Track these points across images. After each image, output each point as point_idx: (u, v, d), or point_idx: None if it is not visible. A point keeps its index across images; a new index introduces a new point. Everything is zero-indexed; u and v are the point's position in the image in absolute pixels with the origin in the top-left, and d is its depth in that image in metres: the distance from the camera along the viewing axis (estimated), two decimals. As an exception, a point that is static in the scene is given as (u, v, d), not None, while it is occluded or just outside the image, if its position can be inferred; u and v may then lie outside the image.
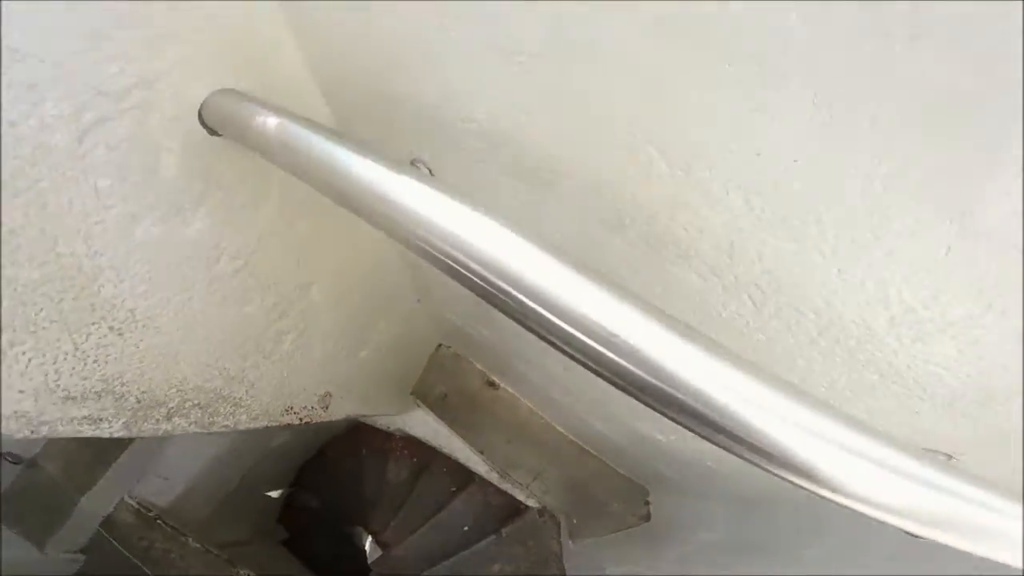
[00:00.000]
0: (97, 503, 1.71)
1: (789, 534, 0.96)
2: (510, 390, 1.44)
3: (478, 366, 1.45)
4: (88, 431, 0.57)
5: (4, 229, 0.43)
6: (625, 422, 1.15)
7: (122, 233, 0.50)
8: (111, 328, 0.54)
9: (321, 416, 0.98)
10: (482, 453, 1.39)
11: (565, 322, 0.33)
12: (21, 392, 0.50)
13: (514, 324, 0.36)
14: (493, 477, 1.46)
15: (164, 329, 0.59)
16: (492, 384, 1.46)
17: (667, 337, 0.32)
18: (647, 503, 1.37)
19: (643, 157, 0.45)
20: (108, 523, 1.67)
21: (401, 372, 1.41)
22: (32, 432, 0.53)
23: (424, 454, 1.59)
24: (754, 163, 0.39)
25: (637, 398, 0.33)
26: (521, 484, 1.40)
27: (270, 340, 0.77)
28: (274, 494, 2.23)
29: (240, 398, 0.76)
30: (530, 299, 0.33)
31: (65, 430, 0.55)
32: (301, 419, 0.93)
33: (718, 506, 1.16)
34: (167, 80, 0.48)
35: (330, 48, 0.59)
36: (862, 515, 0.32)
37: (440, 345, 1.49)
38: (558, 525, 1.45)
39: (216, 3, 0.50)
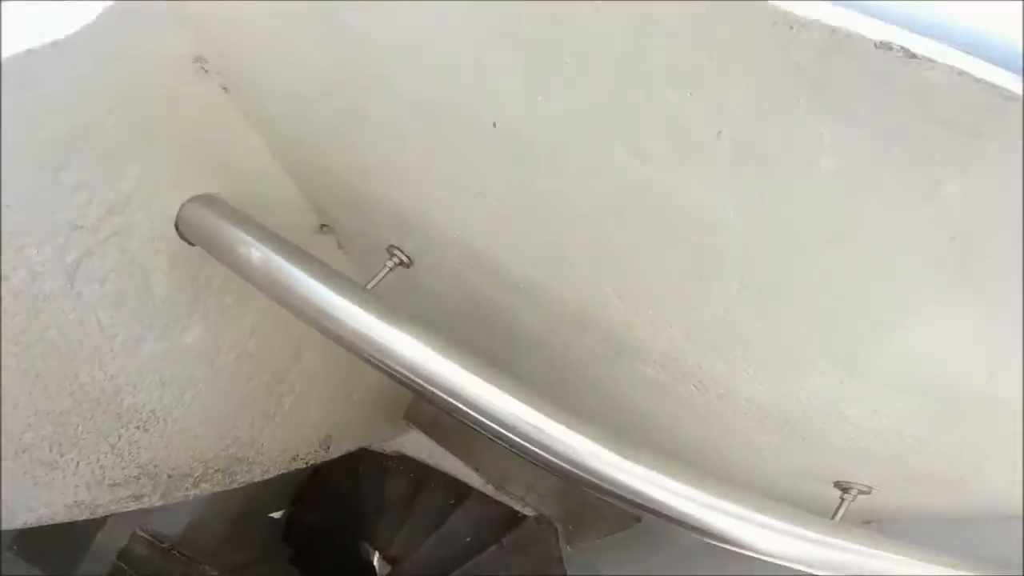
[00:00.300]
0: (111, 537, 1.89)
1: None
2: (501, 409, 1.60)
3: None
4: (133, 506, 0.72)
5: (32, 374, 0.55)
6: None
7: (130, 354, 0.63)
8: (137, 427, 0.68)
9: (324, 456, 1.14)
10: (477, 469, 1.56)
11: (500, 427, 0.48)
12: (76, 487, 0.65)
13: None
14: (489, 490, 1.65)
15: (181, 418, 0.73)
16: (483, 404, 1.61)
17: (601, 450, 0.47)
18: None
19: (601, 292, 0.57)
20: (126, 556, 1.85)
21: (393, 401, 1.56)
22: (91, 514, 0.68)
23: (420, 470, 1.77)
24: (690, 313, 0.52)
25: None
26: (516, 496, 1.58)
27: (272, 405, 0.91)
28: (276, 514, 2.42)
29: (253, 457, 0.91)
30: (498, 426, 0.47)
31: (115, 508, 0.70)
32: (307, 463, 1.09)
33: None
34: (137, 199, 0.56)
35: (297, 146, 0.69)
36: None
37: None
38: (556, 531, 1.65)
39: (164, 112, 0.56)
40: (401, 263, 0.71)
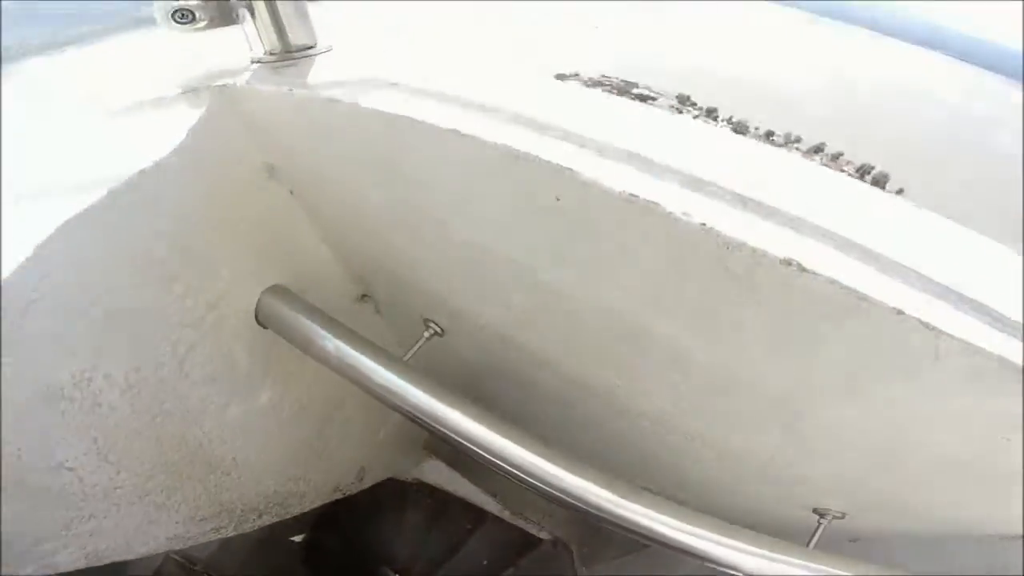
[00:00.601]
0: (145, 559, 2.10)
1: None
2: (516, 437, 1.79)
3: (485, 417, 1.80)
4: (214, 537, 0.92)
5: (154, 438, 0.75)
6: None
7: (220, 416, 0.83)
8: (223, 473, 0.88)
9: (359, 487, 1.34)
10: (494, 496, 1.74)
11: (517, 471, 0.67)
12: (176, 523, 0.85)
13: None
14: (506, 515, 1.82)
15: (254, 463, 0.93)
16: (499, 433, 1.81)
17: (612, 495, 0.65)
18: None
19: (605, 375, 0.75)
20: (160, 579, 2.06)
21: (414, 435, 1.75)
22: (183, 544, 0.87)
23: (439, 496, 1.95)
24: (673, 393, 0.70)
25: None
26: (532, 521, 1.76)
27: (320, 446, 1.10)
28: (297, 538, 2.62)
29: (304, 492, 1.11)
30: (494, 457, 0.66)
31: (201, 539, 0.90)
32: (344, 493, 1.28)
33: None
34: (227, 296, 0.75)
35: (346, 238, 0.89)
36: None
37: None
38: (571, 553, 1.82)
39: (242, 215, 0.74)
40: (435, 333, 0.90)
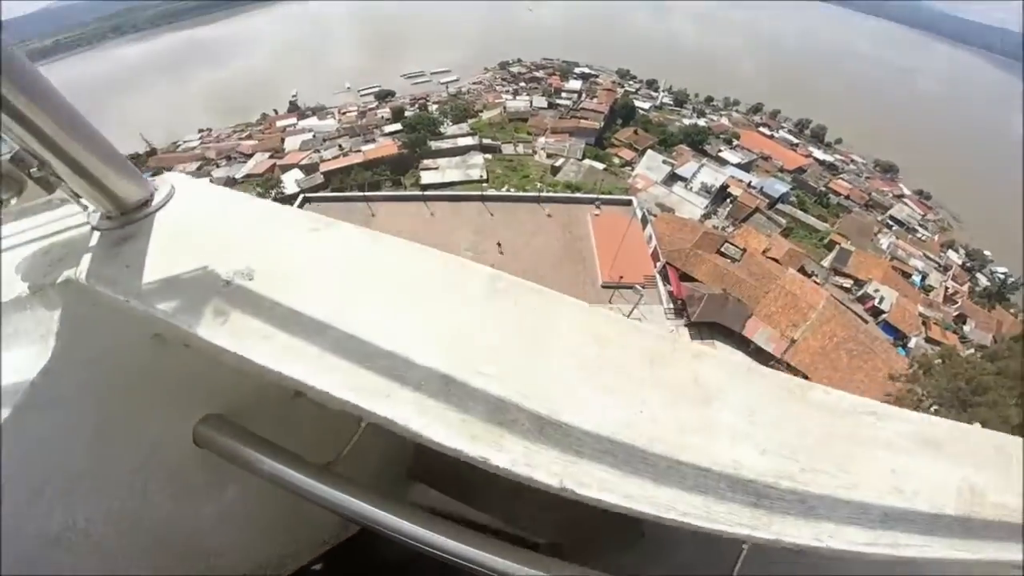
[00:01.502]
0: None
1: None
2: (495, 457, 2.08)
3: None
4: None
5: (152, 546, 1.02)
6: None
7: (196, 519, 1.12)
8: (216, 555, 1.19)
9: (347, 535, 1.64)
10: (483, 512, 2.04)
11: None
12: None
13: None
14: (499, 525, 2.13)
15: (240, 542, 1.23)
16: (478, 456, 2.09)
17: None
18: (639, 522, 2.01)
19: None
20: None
21: (399, 467, 2.04)
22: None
23: (436, 514, 2.26)
24: None
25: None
26: (522, 529, 2.06)
27: (298, 509, 1.38)
28: (317, 567, 3.03)
29: (295, 552, 1.41)
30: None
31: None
32: (334, 543, 1.58)
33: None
34: (166, 437, 1.00)
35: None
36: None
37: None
38: (565, 555, 2.12)
39: (156, 372, 0.95)
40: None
